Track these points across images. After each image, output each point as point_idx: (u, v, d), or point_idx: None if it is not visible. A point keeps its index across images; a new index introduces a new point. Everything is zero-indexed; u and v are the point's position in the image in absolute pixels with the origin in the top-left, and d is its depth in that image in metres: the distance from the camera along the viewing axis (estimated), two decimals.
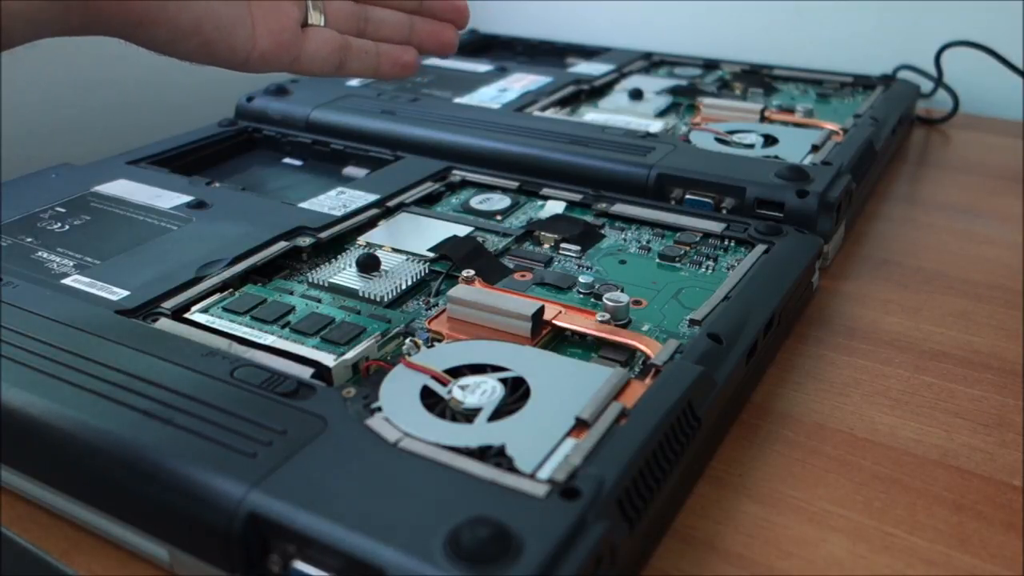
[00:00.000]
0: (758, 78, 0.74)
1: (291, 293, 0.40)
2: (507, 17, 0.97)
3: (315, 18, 0.38)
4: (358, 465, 0.27)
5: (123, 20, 0.33)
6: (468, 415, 0.30)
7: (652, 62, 0.81)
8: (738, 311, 0.37)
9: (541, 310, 0.36)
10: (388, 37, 0.41)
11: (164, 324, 0.36)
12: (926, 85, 0.75)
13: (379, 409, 0.30)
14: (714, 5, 0.87)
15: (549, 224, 0.46)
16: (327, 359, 0.33)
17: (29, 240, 0.44)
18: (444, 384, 0.32)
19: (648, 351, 0.35)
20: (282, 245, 0.43)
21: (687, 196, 0.50)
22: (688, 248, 0.44)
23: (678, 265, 0.43)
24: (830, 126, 0.59)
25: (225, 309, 0.38)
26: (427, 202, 0.51)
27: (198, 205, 0.47)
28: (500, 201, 0.50)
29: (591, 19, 0.94)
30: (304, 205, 0.48)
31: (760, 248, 0.43)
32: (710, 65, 0.79)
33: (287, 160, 0.60)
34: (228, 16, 0.35)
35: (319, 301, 0.39)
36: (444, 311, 0.38)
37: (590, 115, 0.64)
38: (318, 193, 0.49)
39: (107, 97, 0.69)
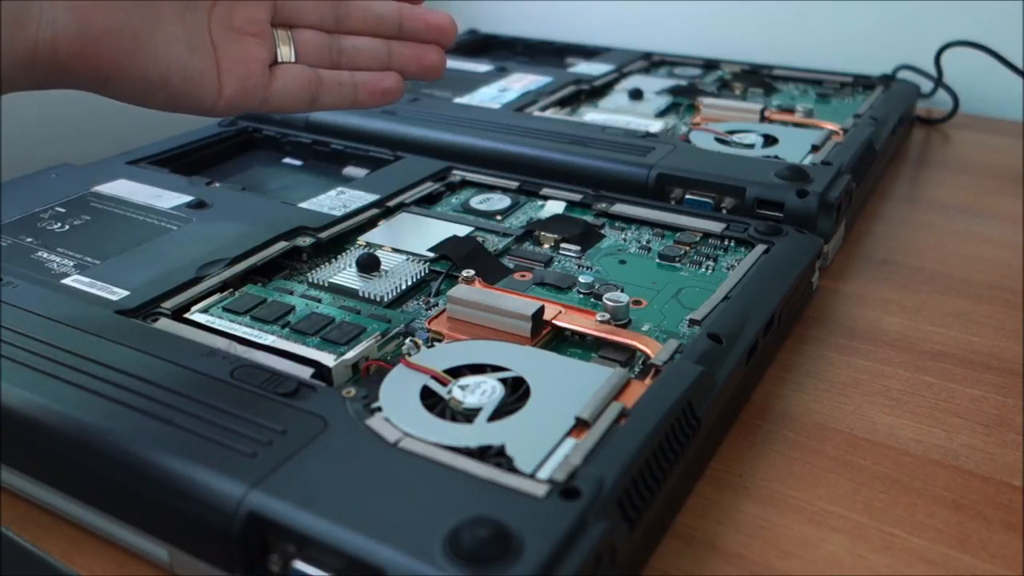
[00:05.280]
0: (758, 78, 0.74)
1: (291, 293, 0.40)
2: (507, 17, 0.97)
3: (284, 54, 0.38)
4: (358, 465, 0.27)
5: (92, 77, 0.33)
6: (468, 415, 0.30)
7: (652, 62, 0.81)
8: (738, 311, 0.37)
9: (541, 310, 0.36)
10: (365, 65, 0.39)
11: (164, 324, 0.36)
12: (926, 85, 0.75)
13: (379, 409, 0.30)
14: (714, 5, 0.87)
15: (549, 224, 0.46)
16: (327, 359, 0.33)
17: (29, 240, 0.44)
18: (444, 384, 0.32)
19: (648, 351, 0.35)
20: (282, 245, 0.43)
21: (687, 196, 0.50)
22: (688, 248, 0.44)
23: (678, 265, 0.43)
24: (830, 126, 0.59)
25: (225, 309, 0.38)
26: (427, 202, 0.51)
27: (198, 205, 0.47)
28: (500, 201, 0.50)
29: (591, 19, 0.94)
30: (304, 205, 0.48)
31: (760, 248, 0.43)
32: (710, 65, 0.79)
33: (287, 160, 0.60)
34: (194, 68, 0.35)
35: (319, 301, 0.39)
36: (444, 311, 0.38)
37: (590, 115, 0.64)
38: (318, 193, 0.49)
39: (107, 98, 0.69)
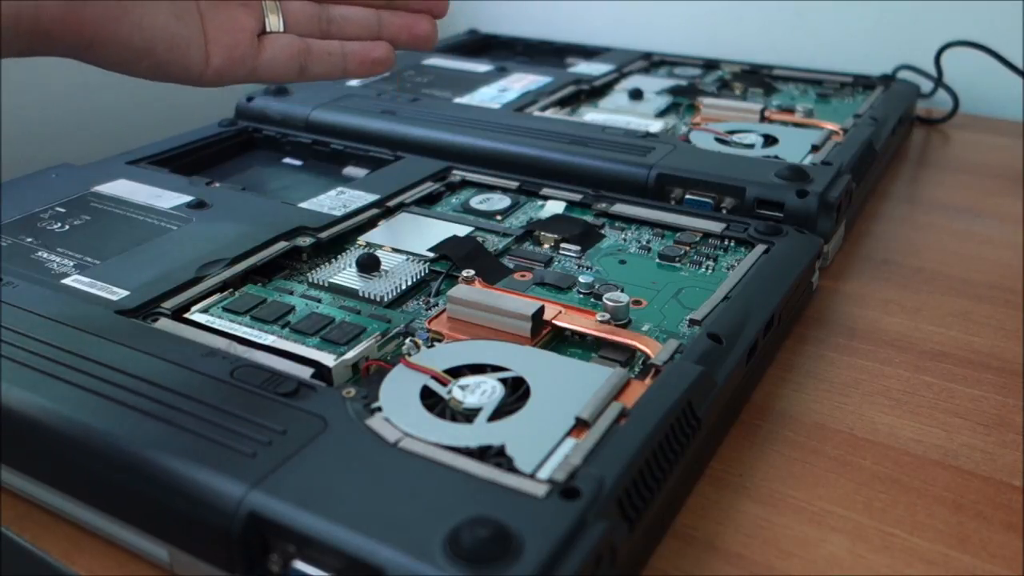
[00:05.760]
0: (758, 78, 0.74)
1: (291, 293, 0.40)
2: (507, 17, 0.97)
3: (273, 23, 0.37)
4: (358, 465, 0.27)
5: (74, 42, 0.32)
6: (468, 415, 0.30)
7: (652, 62, 0.81)
8: (738, 311, 0.37)
9: (541, 310, 0.36)
10: (355, 35, 0.39)
11: (164, 324, 0.36)
12: (926, 85, 0.75)
13: (379, 409, 0.30)
14: (714, 5, 0.87)
15: (549, 224, 0.46)
16: (327, 359, 0.33)
17: (29, 240, 0.44)
18: (444, 384, 0.32)
19: (648, 351, 0.35)
20: (282, 245, 0.43)
21: (687, 196, 0.50)
22: (688, 248, 0.44)
23: (678, 265, 0.43)
24: (830, 126, 0.59)
25: (225, 309, 0.38)
26: (427, 202, 0.51)
27: (198, 205, 0.47)
28: (500, 201, 0.50)
29: (591, 19, 0.94)
30: (304, 205, 0.48)
31: (760, 248, 0.43)
32: (710, 65, 0.79)
33: (287, 160, 0.60)
34: (181, 35, 0.34)
35: (319, 301, 0.39)
36: (444, 311, 0.38)
37: (590, 115, 0.64)
38: (318, 193, 0.49)
39: (107, 97, 0.69)
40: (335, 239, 0.45)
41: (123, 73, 0.34)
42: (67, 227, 0.45)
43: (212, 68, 0.35)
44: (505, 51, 0.89)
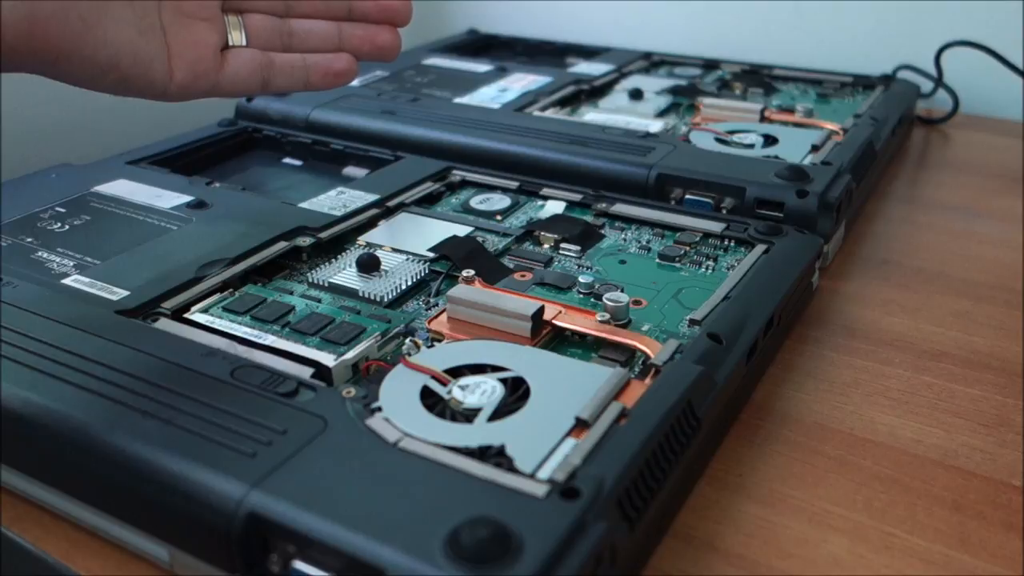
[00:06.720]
0: (758, 78, 0.74)
1: (291, 293, 0.40)
2: (507, 17, 0.97)
3: (235, 38, 0.38)
4: (358, 465, 0.27)
5: (40, 59, 0.33)
6: (468, 415, 0.30)
7: (652, 62, 0.81)
8: (738, 311, 0.37)
9: (541, 310, 0.36)
10: (316, 47, 0.40)
11: (164, 324, 0.36)
12: (926, 85, 0.75)
13: (379, 409, 0.30)
14: (714, 5, 0.87)
15: (549, 224, 0.46)
16: (327, 359, 0.33)
17: (29, 240, 0.44)
18: (444, 384, 0.32)
19: (648, 351, 0.35)
20: (282, 245, 0.43)
21: (687, 196, 0.50)
22: (688, 248, 0.44)
23: (678, 265, 0.43)
24: (830, 126, 0.59)
25: (225, 309, 0.38)
26: (427, 202, 0.51)
27: (198, 205, 0.47)
28: (500, 201, 0.50)
29: (591, 19, 0.94)
30: (304, 205, 0.48)
31: (760, 248, 0.43)
32: (710, 65, 0.79)
33: (287, 160, 0.60)
34: (145, 51, 0.35)
35: (319, 301, 0.39)
36: (444, 311, 0.38)
37: (590, 115, 0.64)
38: (318, 193, 0.49)
39: (107, 97, 0.69)
40: (335, 239, 0.45)
41: (89, 88, 0.35)
42: (67, 227, 0.45)
43: (176, 83, 0.36)
44: (505, 51, 0.89)
